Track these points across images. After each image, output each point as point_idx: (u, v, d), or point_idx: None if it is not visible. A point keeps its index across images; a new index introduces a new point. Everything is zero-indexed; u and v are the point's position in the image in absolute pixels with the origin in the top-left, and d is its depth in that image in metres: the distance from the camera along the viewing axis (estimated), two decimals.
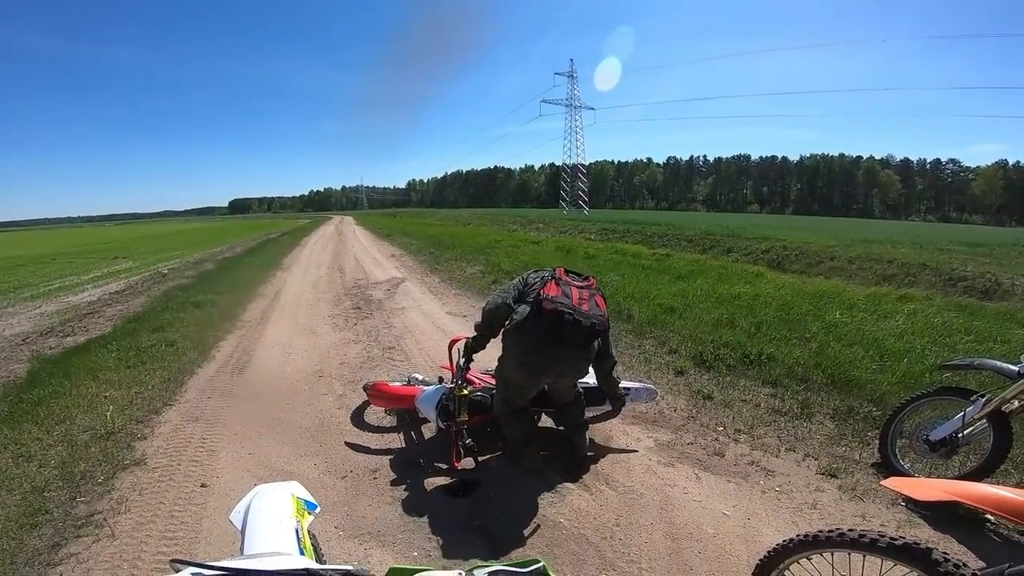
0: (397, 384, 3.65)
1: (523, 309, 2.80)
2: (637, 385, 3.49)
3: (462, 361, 3.13)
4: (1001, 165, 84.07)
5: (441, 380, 3.47)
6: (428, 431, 3.54)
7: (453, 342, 3.37)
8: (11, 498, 2.84)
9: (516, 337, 2.81)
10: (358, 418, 3.79)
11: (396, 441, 3.44)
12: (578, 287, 2.82)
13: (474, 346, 3.06)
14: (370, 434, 3.56)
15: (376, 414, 3.84)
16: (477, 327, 3.00)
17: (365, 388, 3.77)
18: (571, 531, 2.48)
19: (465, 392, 3.05)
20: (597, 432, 3.43)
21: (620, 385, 3.09)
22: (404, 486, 2.89)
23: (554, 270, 2.94)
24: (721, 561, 2.27)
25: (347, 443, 3.41)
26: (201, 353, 5.45)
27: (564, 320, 2.60)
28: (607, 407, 3.30)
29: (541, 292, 2.73)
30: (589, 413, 3.26)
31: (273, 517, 1.20)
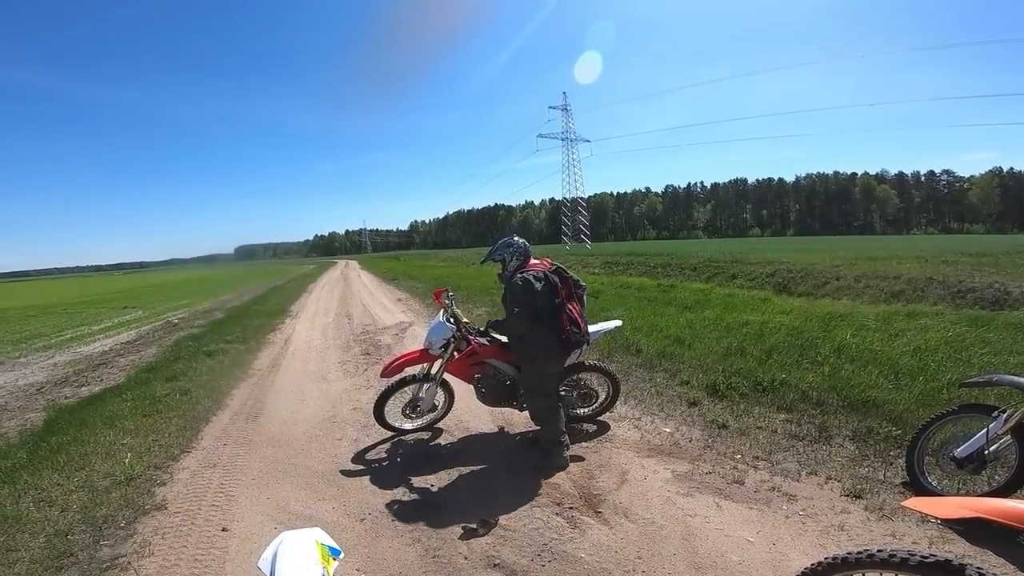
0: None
1: (545, 332, 3.49)
2: (606, 326, 4.23)
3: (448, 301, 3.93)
4: (996, 173, 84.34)
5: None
6: (441, 475, 3.54)
7: (437, 294, 4.05)
8: (35, 541, 2.88)
9: (543, 353, 3.54)
10: (371, 459, 3.81)
11: (411, 481, 3.43)
12: (577, 308, 3.59)
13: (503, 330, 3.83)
14: (385, 474, 3.55)
15: (385, 453, 3.85)
16: (511, 332, 3.69)
17: (383, 377, 4.09)
18: (593, 566, 2.45)
19: (459, 311, 3.90)
20: (612, 467, 3.43)
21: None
22: (422, 526, 2.87)
23: (557, 289, 3.50)
24: None
25: (351, 478, 3.39)
26: (215, 401, 5.48)
27: (580, 345, 3.60)
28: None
29: (564, 324, 3.47)
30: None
31: (300, 564, 1.23)
